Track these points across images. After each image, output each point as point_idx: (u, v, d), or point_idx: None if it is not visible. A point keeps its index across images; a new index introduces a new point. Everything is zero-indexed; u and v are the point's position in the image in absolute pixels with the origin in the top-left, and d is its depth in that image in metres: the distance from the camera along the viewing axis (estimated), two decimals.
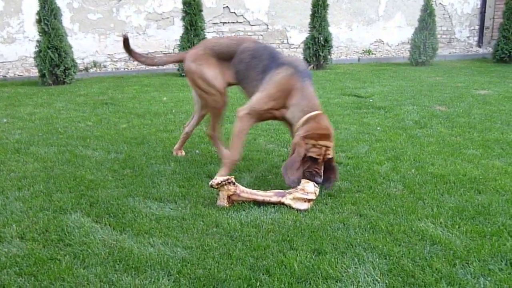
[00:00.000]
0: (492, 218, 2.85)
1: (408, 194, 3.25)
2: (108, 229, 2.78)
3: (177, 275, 2.28)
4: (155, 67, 10.06)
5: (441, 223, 2.79)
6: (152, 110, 6.10)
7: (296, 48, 11.49)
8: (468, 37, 13.23)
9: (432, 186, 3.38)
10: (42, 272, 2.32)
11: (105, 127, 5.25)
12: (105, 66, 10.00)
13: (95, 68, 9.85)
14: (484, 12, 12.99)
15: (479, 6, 13.03)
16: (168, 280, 2.25)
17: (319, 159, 3.22)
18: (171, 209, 3.07)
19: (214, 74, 3.65)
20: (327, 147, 3.21)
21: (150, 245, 2.58)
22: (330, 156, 3.25)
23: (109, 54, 10.05)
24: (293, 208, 3.01)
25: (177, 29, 10.08)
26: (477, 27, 13.23)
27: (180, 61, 4.06)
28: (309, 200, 3.05)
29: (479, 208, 2.99)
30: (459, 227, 2.73)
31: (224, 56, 3.65)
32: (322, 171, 3.25)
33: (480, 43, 13.24)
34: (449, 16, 12.85)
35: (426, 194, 3.24)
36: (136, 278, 2.27)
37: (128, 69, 9.98)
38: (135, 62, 10.18)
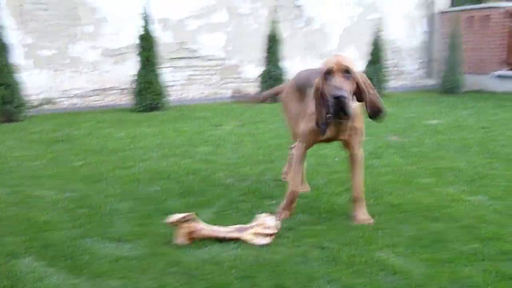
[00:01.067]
0: (448, 245, 2.92)
1: (367, 224, 3.29)
2: (63, 272, 2.67)
3: None
4: (111, 103, 9.94)
5: (400, 252, 2.84)
6: (109, 146, 5.99)
7: (252, 82, 11.62)
8: (417, 69, 13.77)
9: (390, 215, 3.44)
10: None
11: (60, 165, 5.10)
12: (60, 103, 9.80)
13: (49, 105, 9.63)
14: (431, 46, 13.60)
15: (426, 40, 13.64)
16: None
17: (332, 69, 2.95)
18: (129, 248, 2.99)
19: (293, 112, 3.84)
20: (336, 61, 2.98)
21: None
22: (345, 66, 2.95)
23: (64, 90, 9.86)
24: (254, 244, 2.99)
25: (133, 65, 10.02)
26: (424, 60, 13.81)
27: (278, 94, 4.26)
28: (270, 235, 3.04)
29: (436, 235, 3.06)
30: (418, 256, 2.78)
31: (304, 88, 3.63)
32: (342, 84, 2.92)
33: (428, 75, 13.80)
34: (399, 50, 13.37)
35: (385, 223, 3.29)
36: None
37: (83, 105, 9.81)
38: (91, 98, 10.04)
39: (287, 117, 4.04)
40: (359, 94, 3.08)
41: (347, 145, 3.39)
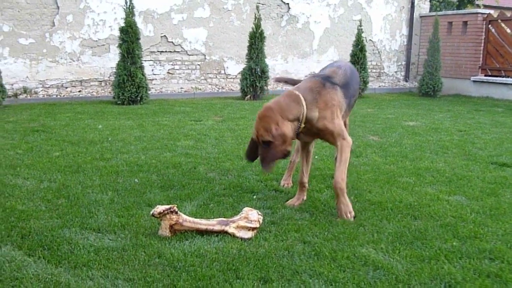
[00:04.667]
0: (429, 242, 2.96)
1: (349, 220, 3.31)
2: (42, 262, 2.62)
3: None
4: (89, 95, 9.78)
5: (382, 248, 2.86)
6: (87, 138, 5.89)
7: (233, 78, 11.61)
8: (396, 71, 13.96)
9: (371, 213, 3.47)
10: None
11: (37, 155, 5.00)
12: (36, 93, 9.60)
13: (25, 95, 9.43)
14: (410, 49, 13.79)
15: (405, 43, 13.83)
16: None
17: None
18: (110, 240, 2.95)
19: None
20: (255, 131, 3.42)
21: (89, 278, 2.45)
22: (261, 137, 3.36)
23: (40, 80, 9.67)
24: (237, 237, 2.98)
25: (113, 57, 9.90)
26: (403, 62, 13.99)
27: None
28: (253, 229, 3.03)
29: (416, 233, 3.10)
30: (399, 252, 2.81)
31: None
32: (260, 152, 3.40)
33: (406, 77, 14.00)
34: (379, 52, 13.52)
35: (366, 220, 3.32)
36: None
37: (60, 96, 9.63)
38: (69, 89, 9.87)
39: None
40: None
41: (327, 141, 3.67)
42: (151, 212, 3.00)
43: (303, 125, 3.40)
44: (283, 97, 3.43)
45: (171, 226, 2.98)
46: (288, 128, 3.33)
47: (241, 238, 2.97)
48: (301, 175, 3.77)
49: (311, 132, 3.50)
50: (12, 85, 9.32)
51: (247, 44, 10.09)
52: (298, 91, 3.44)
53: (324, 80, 3.54)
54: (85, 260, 2.64)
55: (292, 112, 3.35)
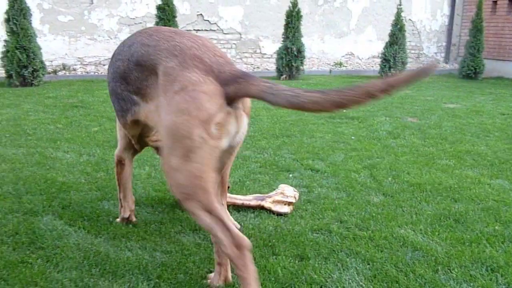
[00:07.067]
0: (470, 225, 2.88)
1: (387, 201, 3.26)
2: (82, 232, 2.68)
3: (157, 280, 2.20)
4: None
5: (421, 230, 2.80)
6: None
7: (269, 58, 11.53)
8: (435, 53, 13.57)
9: (409, 194, 3.40)
10: (13, 276, 2.20)
11: (76, 129, 5.09)
12: (74, 69, 9.77)
13: (64, 71, 9.61)
14: (452, 29, 13.36)
15: (446, 23, 13.40)
16: (148, 285, 2.17)
17: None
18: (147, 213, 2.99)
19: None
20: None
21: (127, 249, 2.49)
22: None
23: (79, 57, 9.83)
24: (273, 212, 2.97)
25: None
26: (444, 43, 13.59)
27: None
28: (289, 203, 3.02)
29: (457, 216, 3.02)
30: (438, 234, 2.75)
31: None
32: None
33: (447, 59, 13.60)
34: (418, 32, 13.16)
35: (405, 202, 3.26)
36: (114, 283, 2.18)
37: (98, 73, 9.77)
38: (106, 67, 10.00)
39: None
40: None
41: None
42: None
43: None
44: None
45: None
46: None
47: (278, 213, 2.96)
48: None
49: None
50: (51, 61, 9.50)
51: (284, 23, 9.95)
52: None
53: None
54: (123, 232, 2.68)
55: None
